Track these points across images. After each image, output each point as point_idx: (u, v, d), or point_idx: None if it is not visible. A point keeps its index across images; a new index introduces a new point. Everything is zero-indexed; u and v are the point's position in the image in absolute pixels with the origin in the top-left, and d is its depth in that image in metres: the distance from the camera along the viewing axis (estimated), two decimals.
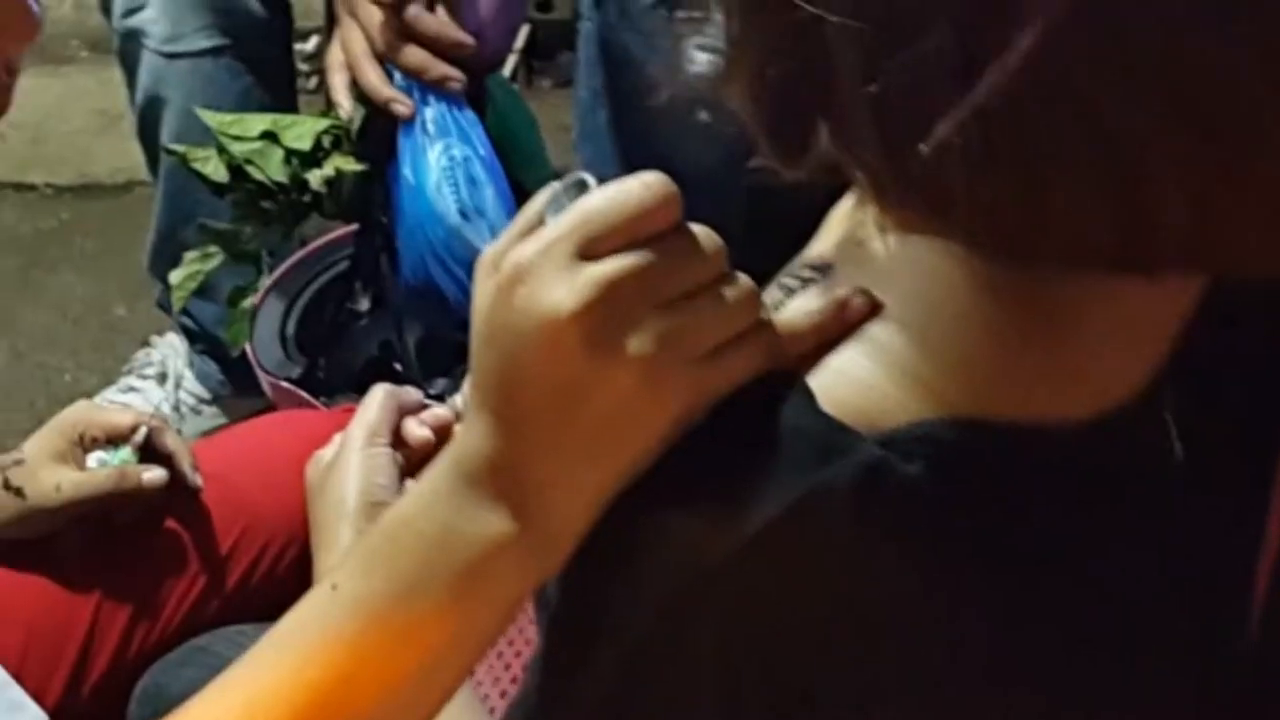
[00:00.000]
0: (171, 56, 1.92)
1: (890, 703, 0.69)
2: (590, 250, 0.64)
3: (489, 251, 0.68)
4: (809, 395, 0.65)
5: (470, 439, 0.68)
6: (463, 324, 1.54)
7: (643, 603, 0.67)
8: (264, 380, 1.72)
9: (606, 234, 0.64)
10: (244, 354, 1.73)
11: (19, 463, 1.28)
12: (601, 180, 0.67)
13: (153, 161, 2.01)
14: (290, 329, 1.74)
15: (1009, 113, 0.59)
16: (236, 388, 2.09)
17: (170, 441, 1.32)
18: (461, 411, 1.06)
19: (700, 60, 1.93)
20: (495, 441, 0.67)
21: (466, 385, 1.18)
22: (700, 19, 1.82)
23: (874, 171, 0.66)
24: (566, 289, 0.63)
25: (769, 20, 0.65)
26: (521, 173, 1.61)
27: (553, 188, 0.68)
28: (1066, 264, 0.65)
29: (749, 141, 0.70)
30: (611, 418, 0.65)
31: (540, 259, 0.64)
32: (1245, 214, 0.62)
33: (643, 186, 0.65)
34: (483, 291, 0.67)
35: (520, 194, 1.57)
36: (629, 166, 1.83)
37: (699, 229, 0.66)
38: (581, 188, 0.67)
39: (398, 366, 1.67)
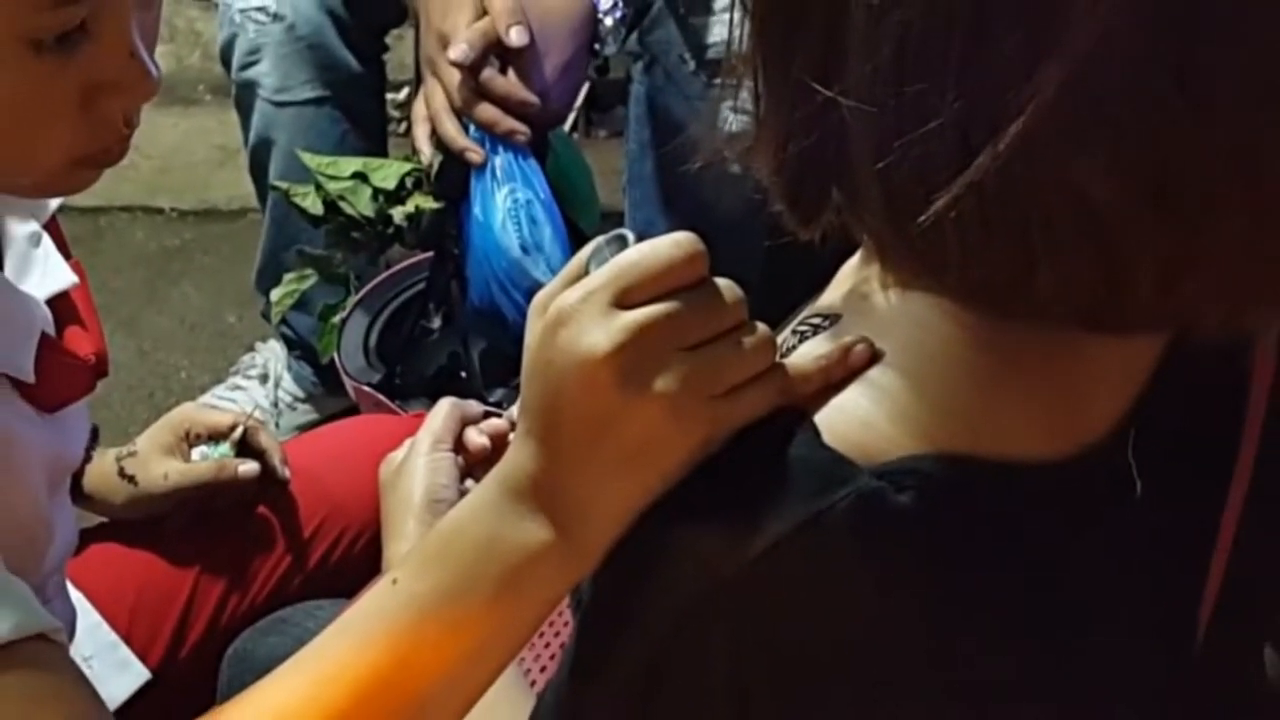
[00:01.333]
0: (280, 105, 1.94)
1: (885, 713, 0.68)
2: (625, 300, 0.64)
3: (539, 296, 0.69)
4: (815, 430, 0.65)
5: (517, 458, 0.68)
6: (520, 341, 1.56)
7: (663, 607, 0.66)
8: (348, 384, 1.72)
9: (640, 285, 0.64)
10: (333, 360, 1.74)
11: (133, 454, 1.29)
12: (643, 228, 0.67)
13: (261, 194, 2.02)
14: (372, 340, 1.75)
15: (1001, 188, 0.59)
16: (327, 389, 2.10)
17: (263, 439, 1.33)
18: (516, 422, 1.07)
19: (732, 121, 1.93)
20: (538, 462, 0.67)
21: (521, 398, 1.19)
22: (733, 86, 1.82)
23: (879, 236, 0.66)
24: (603, 333, 0.63)
25: (792, 102, 0.65)
26: (575, 214, 1.61)
27: (596, 242, 0.68)
28: (1047, 321, 0.64)
29: (769, 199, 0.70)
30: (640, 445, 0.65)
31: (581, 305, 0.64)
32: (1203, 282, 0.62)
33: (673, 245, 0.65)
34: (532, 331, 0.67)
35: (574, 232, 1.58)
36: (668, 208, 1.84)
37: (722, 282, 0.66)
38: (621, 242, 0.67)
39: (463, 375, 1.67)
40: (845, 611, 0.65)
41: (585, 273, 0.67)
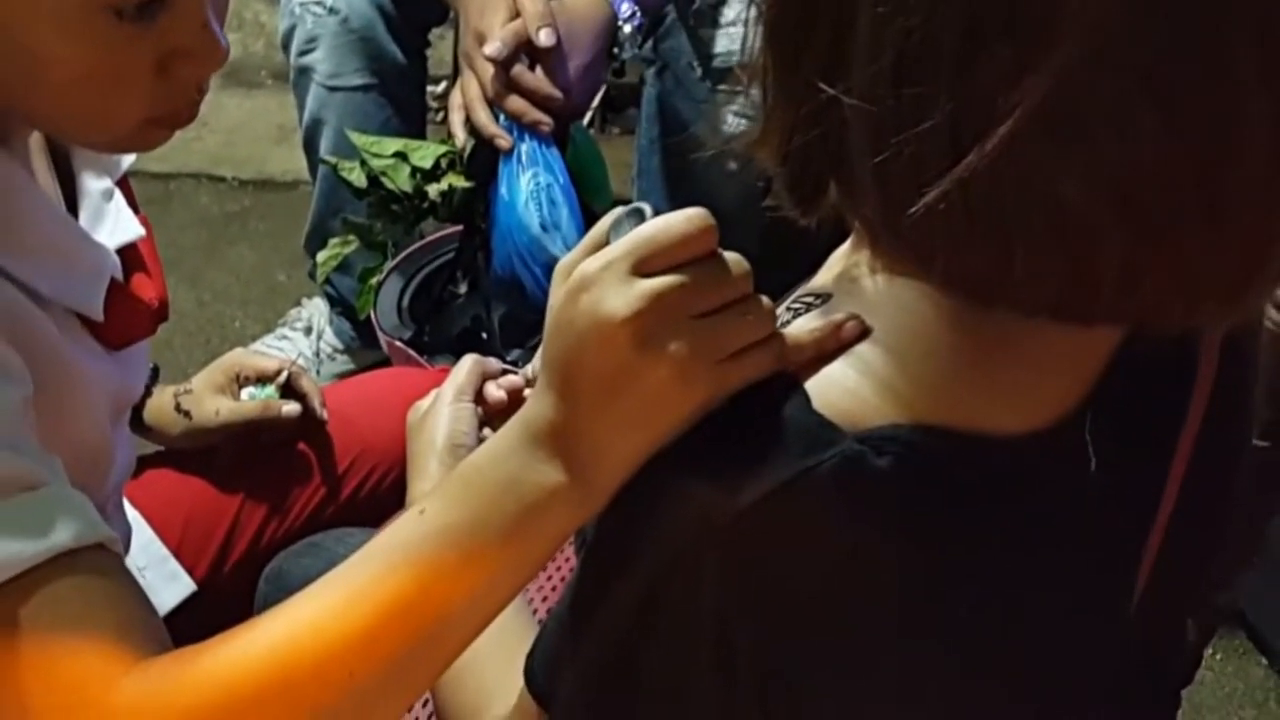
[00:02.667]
0: (332, 89, 1.92)
1: (854, 656, 0.67)
2: (642, 268, 0.62)
3: (563, 262, 0.67)
4: (805, 396, 0.64)
5: (537, 408, 0.67)
6: (536, 309, 1.55)
7: (661, 547, 0.65)
8: (382, 339, 1.72)
9: (656, 256, 0.63)
10: (370, 317, 1.74)
11: (188, 391, 1.28)
12: (656, 210, 0.65)
13: (313, 167, 2.01)
14: (405, 301, 1.75)
15: (985, 187, 0.57)
16: (363, 342, 2.09)
17: (305, 384, 1.32)
18: (531, 379, 1.06)
19: (733, 124, 1.92)
20: (557, 412, 0.65)
21: (537, 359, 1.18)
22: (735, 92, 1.80)
23: (872, 224, 0.64)
24: (621, 298, 0.62)
25: (798, 100, 0.63)
26: (590, 198, 1.60)
27: (616, 214, 0.67)
28: (1019, 310, 0.63)
29: (766, 189, 0.69)
30: (649, 401, 0.63)
31: (602, 272, 0.63)
32: (1162, 282, 0.60)
33: (687, 220, 0.63)
34: (555, 294, 0.66)
35: (588, 214, 1.56)
36: (672, 198, 1.82)
37: (731, 255, 0.65)
38: (640, 216, 0.65)
39: (484, 336, 1.67)
40: (823, 561, 0.64)
41: (606, 242, 0.65)
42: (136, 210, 1.01)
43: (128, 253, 0.97)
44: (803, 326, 0.66)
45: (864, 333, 0.65)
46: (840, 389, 0.64)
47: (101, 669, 0.70)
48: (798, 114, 0.63)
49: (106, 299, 0.91)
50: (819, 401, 0.63)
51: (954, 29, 0.56)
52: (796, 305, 0.69)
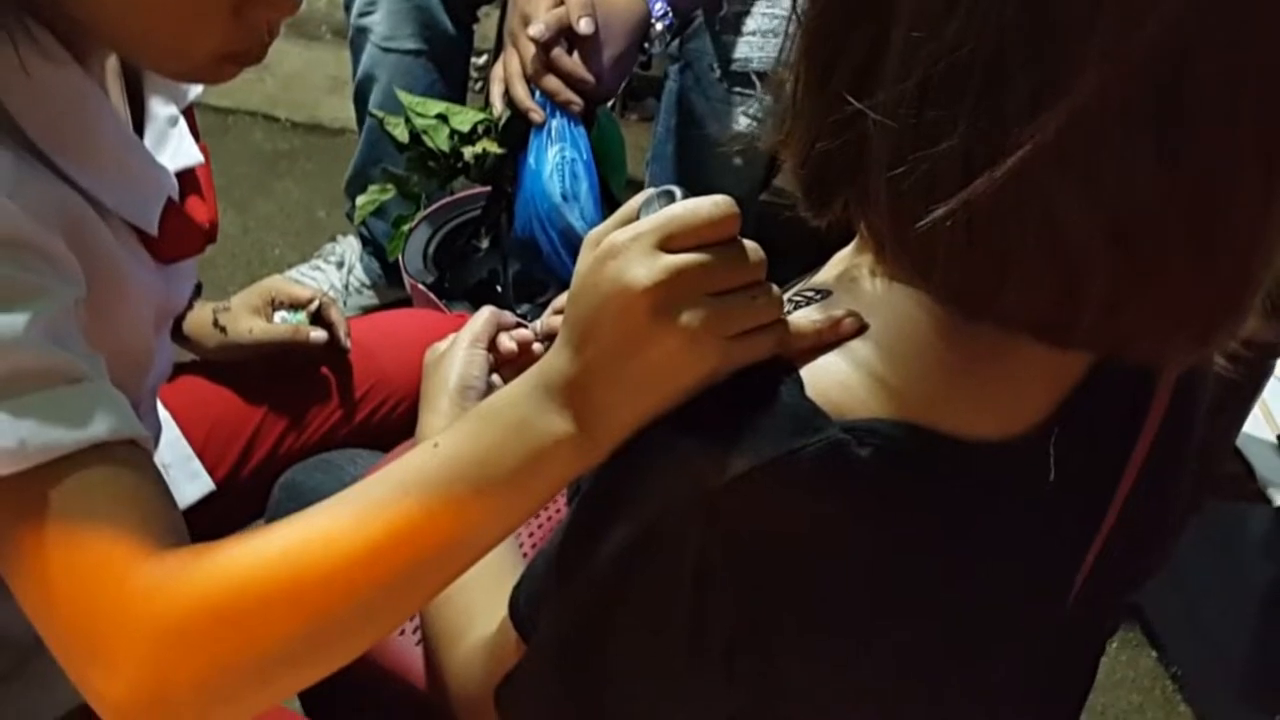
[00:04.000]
0: (386, 50, 1.89)
1: (822, 634, 0.64)
2: (667, 245, 0.60)
3: (594, 231, 0.64)
4: (800, 382, 0.61)
5: (555, 361, 0.64)
6: (548, 269, 1.53)
7: (653, 503, 0.62)
8: (407, 280, 1.69)
9: (681, 235, 0.60)
10: (398, 260, 1.71)
11: (227, 309, 1.25)
12: (685, 194, 0.63)
13: (360, 119, 1.97)
14: (431, 249, 1.71)
15: (990, 210, 0.55)
16: (388, 281, 2.05)
17: (334, 314, 1.29)
18: (540, 334, 1.04)
19: (744, 123, 1.89)
20: (573, 367, 0.63)
21: (546, 315, 1.15)
22: (748, 95, 1.77)
23: (879, 232, 0.61)
24: (645, 269, 0.59)
25: (825, 109, 0.60)
26: (608, 176, 1.56)
27: (648, 193, 0.64)
28: (1005, 326, 0.60)
29: (764, 184, 0.66)
30: (659, 366, 0.60)
31: (630, 244, 0.60)
32: (1139, 316, 0.58)
33: (713, 205, 0.60)
34: (584, 259, 0.63)
35: (605, 190, 1.54)
36: (680, 183, 1.79)
37: (749, 243, 0.62)
38: (669, 197, 0.62)
39: (498, 289, 1.64)
40: (799, 536, 0.61)
41: (636, 217, 0.62)
42: (197, 139, 0.98)
43: (185, 177, 0.94)
44: (804, 317, 0.63)
45: (860, 329, 0.63)
46: (833, 379, 0.61)
47: (122, 555, 0.67)
48: (824, 122, 0.60)
49: (162, 216, 0.87)
50: (812, 389, 0.60)
51: (980, 61, 0.53)
52: (798, 298, 0.67)
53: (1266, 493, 1.17)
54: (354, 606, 0.66)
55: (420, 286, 1.65)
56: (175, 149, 0.93)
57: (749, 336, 0.61)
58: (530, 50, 1.46)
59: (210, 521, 1.16)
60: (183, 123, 0.95)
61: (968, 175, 0.54)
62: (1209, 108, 0.52)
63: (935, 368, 0.62)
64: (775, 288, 0.63)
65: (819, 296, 0.66)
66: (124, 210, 0.84)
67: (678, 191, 0.63)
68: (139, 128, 0.92)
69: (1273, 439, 1.21)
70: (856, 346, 0.62)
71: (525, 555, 0.94)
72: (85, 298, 0.76)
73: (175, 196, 0.90)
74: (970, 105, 0.54)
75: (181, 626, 0.65)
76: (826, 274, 0.69)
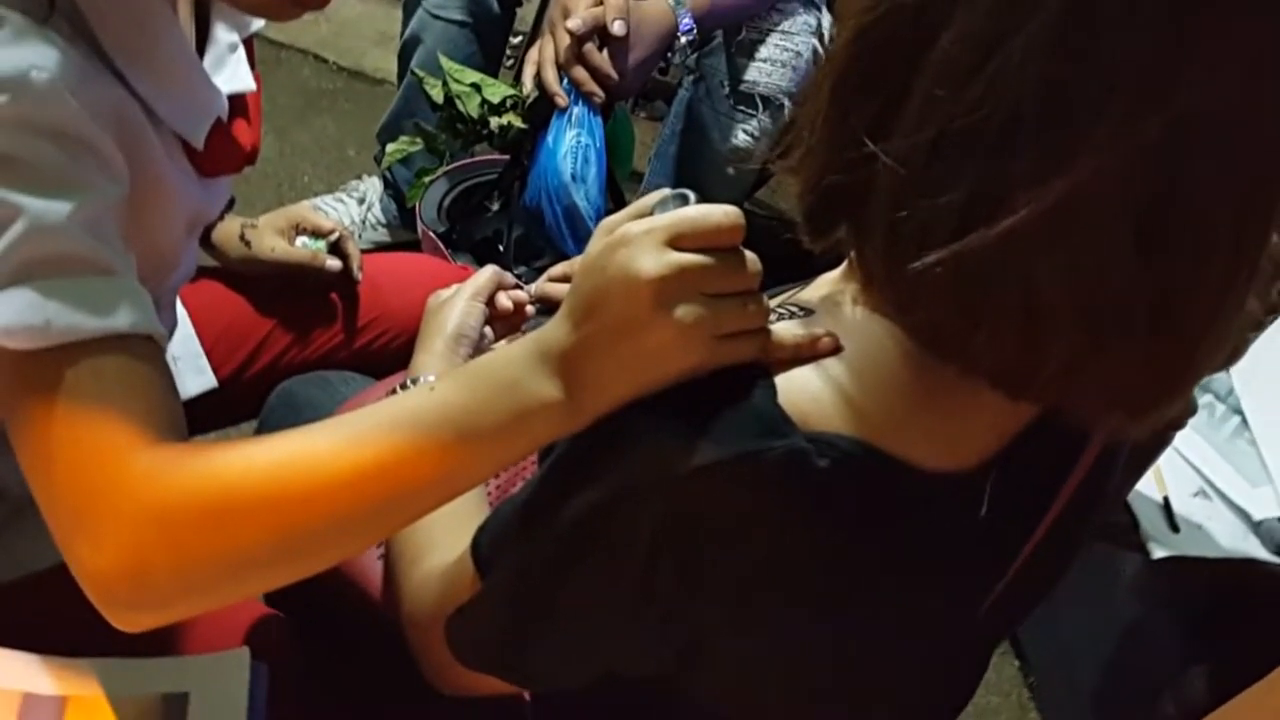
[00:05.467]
0: (434, 16, 1.83)
1: (749, 617, 0.62)
2: (676, 242, 0.57)
3: (608, 220, 0.61)
4: (774, 388, 0.58)
5: (554, 331, 0.61)
6: (547, 238, 1.49)
7: (619, 476, 0.59)
8: (420, 226, 1.64)
9: (690, 236, 0.57)
10: (415, 207, 1.66)
11: (253, 226, 1.21)
12: (697, 199, 0.60)
13: (401, 74, 1.91)
14: (446, 202, 1.66)
15: (976, 263, 0.52)
16: (402, 223, 1.99)
17: (350, 248, 1.24)
18: (533, 297, 1.01)
19: (742, 139, 1.85)
20: (571, 339, 0.60)
21: (541, 280, 1.12)
22: (750, 115, 1.73)
23: (870, 266, 0.59)
24: (653, 261, 0.56)
25: (841, 145, 0.57)
26: (615, 165, 1.53)
27: (664, 193, 0.61)
28: (967, 370, 0.57)
29: (749, 194, 0.63)
30: (649, 352, 0.58)
31: (643, 236, 0.57)
32: (1090, 383, 0.56)
33: (724, 214, 0.57)
34: (596, 242, 0.60)
35: (610, 177, 1.50)
36: (675, 183, 1.75)
37: (748, 254, 0.59)
38: (683, 199, 0.60)
39: (500, 248, 1.59)
40: (749, 530, 0.58)
41: (650, 213, 0.59)
42: (253, 68, 0.94)
43: (236, 101, 0.90)
44: (787, 330, 0.61)
45: (836, 350, 0.60)
46: (804, 392, 0.58)
47: (123, 440, 0.64)
48: (837, 157, 0.57)
49: (209, 134, 0.83)
50: (784, 397, 0.58)
51: (993, 127, 0.50)
52: (783, 310, 0.64)
53: (1147, 545, 1.16)
54: (330, 525, 0.63)
55: (431, 234, 1.61)
56: (231, 74, 0.89)
57: (736, 339, 0.58)
58: (565, 41, 1.42)
59: (207, 415, 1.12)
60: (242, 51, 0.91)
61: (963, 229, 0.51)
62: (1193, 208, 0.50)
63: (899, 397, 0.59)
64: (765, 299, 0.60)
65: (801, 313, 0.63)
66: (174, 122, 0.80)
67: (691, 195, 0.60)
68: (201, 49, 0.88)
69: (1159, 499, 1.20)
70: (830, 365, 0.60)
71: (490, 501, 0.92)
72: (127, 196, 0.72)
73: (224, 117, 0.86)
74: (976, 166, 0.51)
75: (168, 515, 0.62)
76: (811, 293, 0.66)
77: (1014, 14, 0.49)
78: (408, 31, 1.88)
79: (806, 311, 0.63)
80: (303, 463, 0.62)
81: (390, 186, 2.01)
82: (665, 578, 0.60)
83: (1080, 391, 0.56)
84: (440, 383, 0.63)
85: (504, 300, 0.95)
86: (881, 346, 0.59)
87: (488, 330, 0.94)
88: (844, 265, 0.65)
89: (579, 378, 0.60)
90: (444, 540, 0.76)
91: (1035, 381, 0.55)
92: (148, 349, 0.68)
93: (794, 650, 0.64)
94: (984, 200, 0.51)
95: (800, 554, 0.59)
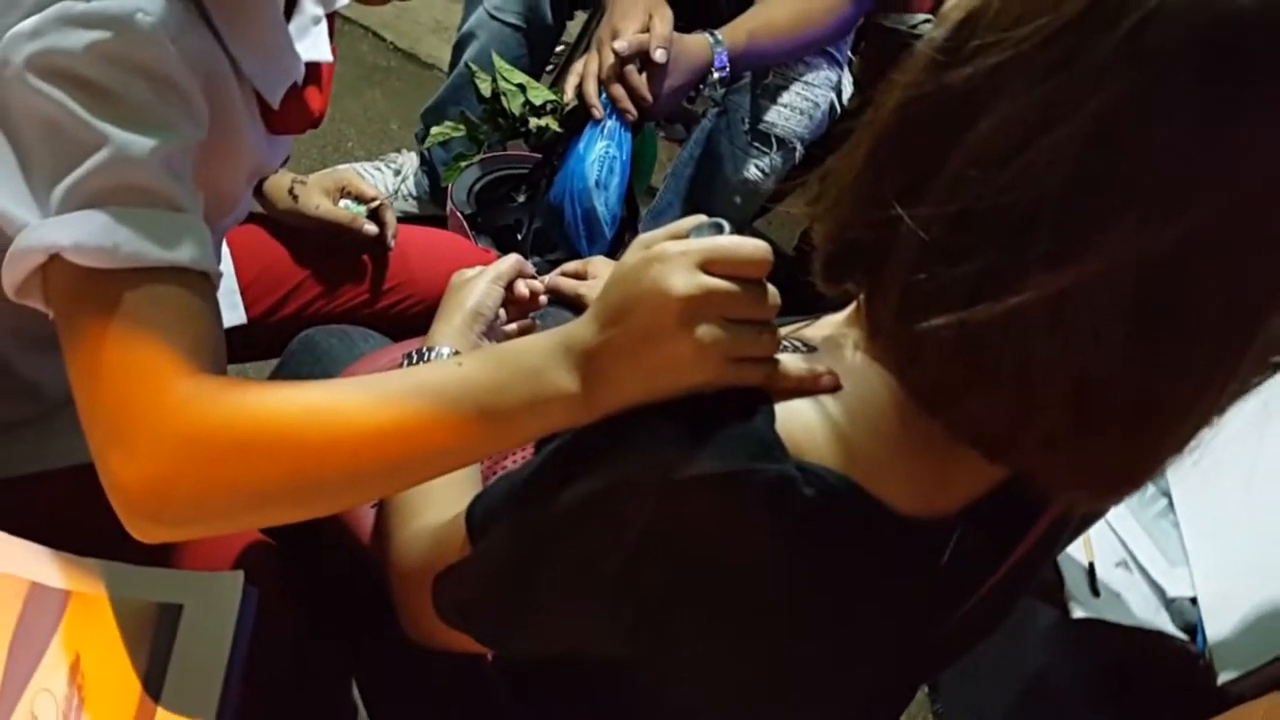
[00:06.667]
0: (493, 17, 1.82)
1: (717, 622, 0.62)
2: (707, 267, 0.57)
3: (645, 235, 0.61)
4: (773, 415, 0.58)
5: (581, 329, 0.61)
6: (563, 234, 1.49)
7: (616, 473, 0.59)
8: (449, 205, 1.63)
9: (721, 263, 0.57)
10: (447, 187, 1.65)
11: (302, 182, 1.20)
12: (663, 206, 0.60)
13: (453, 63, 1.90)
14: (476, 187, 1.66)
15: (978, 333, 0.52)
16: (432, 199, 1.98)
17: (388, 217, 1.23)
18: (547, 287, 1.01)
19: (753, 173, 1.85)
20: (595, 339, 0.60)
21: (554, 274, 1.12)
22: (763, 152, 1.73)
23: (878, 319, 0.59)
24: (684, 281, 0.56)
25: (869, 204, 0.56)
26: (635, 178, 1.53)
27: (700, 220, 0.61)
28: (951, 428, 0.58)
29: (748, 222, 0.63)
30: (666, 363, 0.58)
31: (678, 255, 0.57)
32: (1063, 459, 0.56)
33: (755, 248, 0.57)
34: (633, 254, 0.60)
35: (629, 189, 1.50)
36: (685, 202, 1.75)
37: (771, 288, 0.59)
38: (718, 228, 0.60)
39: (518, 237, 1.58)
40: (730, 542, 0.58)
41: (687, 236, 0.59)
42: (331, 41, 0.93)
43: (312, 69, 0.89)
44: (792, 362, 0.61)
45: (835, 388, 0.60)
46: (800, 423, 0.58)
47: (169, 365, 0.64)
48: (864, 214, 0.57)
49: (284, 95, 0.83)
50: (781, 424, 0.58)
51: (1017, 212, 0.51)
52: (787, 343, 0.64)
53: (1069, 604, 1.17)
54: (345, 475, 0.63)
55: (458, 214, 1.60)
56: (312, 43, 0.89)
57: (746, 363, 0.58)
58: (610, 59, 1.42)
59: (231, 349, 1.11)
60: (324, 24, 0.91)
61: (972, 299, 0.52)
62: (1187, 315, 0.50)
63: (886, 442, 0.59)
64: (779, 330, 0.60)
65: (805, 349, 0.63)
66: (256, 79, 0.79)
67: (726, 226, 0.60)
68: (288, 17, 0.87)
69: (1085, 564, 1.21)
70: (827, 401, 0.60)
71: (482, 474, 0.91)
72: (203, 142, 0.71)
73: (300, 82, 0.86)
74: (995, 244, 0.51)
75: (200, 441, 0.62)
76: (815, 331, 0.66)
77: (1052, 113, 0.49)
78: (465, 27, 1.87)
79: (810, 348, 0.63)
80: (330, 414, 0.62)
81: (425, 164, 2.00)
82: (646, 572, 0.59)
83: (1053, 465, 0.56)
84: (468, 360, 0.63)
85: (522, 287, 0.95)
86: (876, 393, 0.59)
87: (501, 312, 0.94)
88: (849, 310, 0.65)
89: (597, 375, 0.60)
90: (438, 501, 0.76)
91: (1014, 449, 0.56)
92: (203, 285, 0.68)
93: (749, 660, 0.64)
94: (997, 276, 0.51)
95: (774, 572, 0.59)
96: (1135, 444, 0.54)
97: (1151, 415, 0.53)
